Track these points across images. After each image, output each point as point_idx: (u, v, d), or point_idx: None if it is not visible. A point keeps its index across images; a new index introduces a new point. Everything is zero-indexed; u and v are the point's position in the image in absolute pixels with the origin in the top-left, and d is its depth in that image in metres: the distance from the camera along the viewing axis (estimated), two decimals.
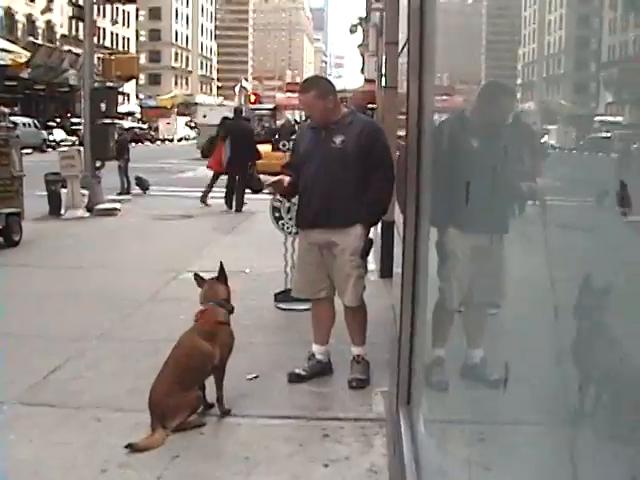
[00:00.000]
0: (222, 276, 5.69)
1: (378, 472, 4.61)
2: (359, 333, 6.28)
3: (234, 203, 17.65)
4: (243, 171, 17.40)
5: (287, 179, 6.07)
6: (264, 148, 19.77)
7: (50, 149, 43.87)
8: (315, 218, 6.05)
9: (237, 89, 61.60)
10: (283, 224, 8.43)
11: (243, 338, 5.87)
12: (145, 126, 74.31)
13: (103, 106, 18.15)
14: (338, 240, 6.01)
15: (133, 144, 50.31)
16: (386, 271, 8.47)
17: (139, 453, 4.79)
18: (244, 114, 20.63)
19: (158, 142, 70.21)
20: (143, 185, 21.76)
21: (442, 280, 5.01)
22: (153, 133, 72.97)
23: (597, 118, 2.69)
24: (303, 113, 59.97)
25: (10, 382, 5.98)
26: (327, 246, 6.09)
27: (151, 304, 8.63)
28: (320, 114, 5.99)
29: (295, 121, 41.80)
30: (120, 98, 63.01)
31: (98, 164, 18.15)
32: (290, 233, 8.39)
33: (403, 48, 6.03)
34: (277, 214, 8.45)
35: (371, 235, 6.27)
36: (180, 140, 73.55)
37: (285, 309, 8.08)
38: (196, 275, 5.77)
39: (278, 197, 8.41)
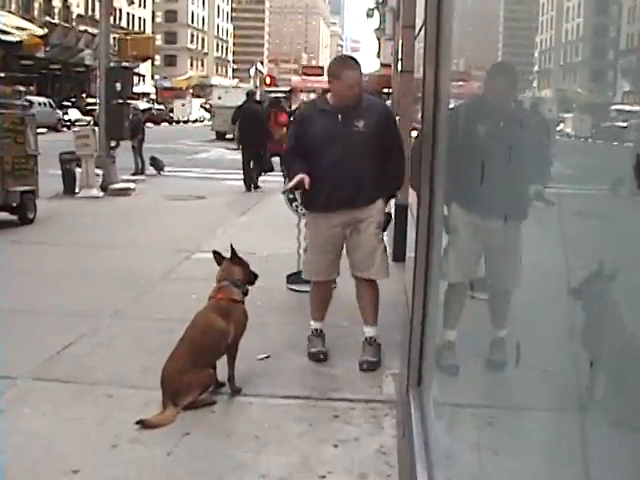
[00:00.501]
0: (236, 257, 5.72)
1: (387, 453, 4.64)
2: (373, 313, 6.30)
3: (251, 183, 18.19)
4: (256, 152, 17.84)
5: (307, 179, 5.91)
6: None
7: (65, 129, 43.91)
8: (341, 201, 6.05)
9: (252, 71, 61.48)
10: (297, 206, 8.43)
11: (255, 318, 5.90)
12: (163, 107, 74.26)
13: (118, 86, 18.15)
14: (363, 216, 6.08)
15: (150, 125, 50.50)
16: (399, 255, 8.48)
17: (150, 429, 4.83)
18: (259, 97, 20.88)
19: (175, 123, 70.20)
20: (158, 165, 21.81)
21: (454, 263, 5.03)
22: (172, 114, 72.88)
23: (614, 107, 2.68)
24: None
25: (24, 358, 6.03)
26: (352, 223, 6.13)
27: (164, 283, 8.68)
28: (357, 94, 5.98)
29: (304, 102, 41.70)
30: (135, 79, 62.84)
31: (113, 144, 18.18)
32: (303, 214, 8.39)
33: (419, 32, 6.03)
34: (291, 196, 8.45)
35: (388, 209, 6.43)
36: (195, 122, 73.47)
37: (297, 290, 8.10)
38: (215, 252, 5.80)
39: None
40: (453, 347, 4.87)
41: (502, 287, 4.87)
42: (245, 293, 5.67)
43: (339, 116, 6.03)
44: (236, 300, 5.53)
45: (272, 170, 17.36)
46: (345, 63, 6.10)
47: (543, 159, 3.71)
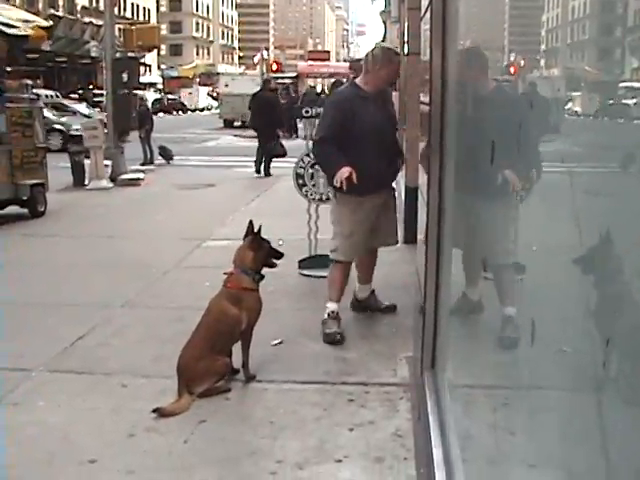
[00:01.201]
0: (254, 240, 5.62)
1: (403, 436, 4.63)
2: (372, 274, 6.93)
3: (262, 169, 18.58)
4: (269, 138, 18.01)
5: (353, 173, 6.04)
6: None
7: None
8: (382, 183, 6.49)
9: (256, 58, 61.27)
10: (307, 191, 8.41)
11: (268, 304, 5.88)
12: (175, 96, 74.05)
13: (125, 76, 18.13)
14: (390, 193, 6.69)
15: (162, 114, 50.48)
16: (410, 237, 8.44)
17: (165, 418, 4.84)
18: (272, 85, 21.16)
19: (190, 112, 70.05)
20: (167, 155, 21.80)
21: (466, 243, 5.02)
22: (186, 102, 72.65)
23: (622, 84, 2.66)
24: (326, 81, 59.75)
25: (38, 350, 6.05)
26: (385, 201, 6.56)
27: (176, 272, 8.68)
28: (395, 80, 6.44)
29: (310, 87, 42.01)
30: (142, 69, 62.87)
31: (123, 136, 18.18)
32: (314, 199, 8.38)
33: (425, 13, 5.99)
34: (300, 181, 8.43)
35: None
36: (202, 110, 73.36)
37: (309, 276, 8.09)
38: (250, 223, 5.72)
39: (301, 164, 8.41)
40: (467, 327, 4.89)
41: (506, 264, 4.91)
42: (259, 279, 5.59)
43: (377, 101, 6.35)
44: (246, 288, 5.48)
45: (285, 155, 17.36)
46: (391, 49, 6.63)
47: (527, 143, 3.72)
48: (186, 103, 73.17)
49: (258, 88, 20.60)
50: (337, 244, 6.47)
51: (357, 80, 6.52)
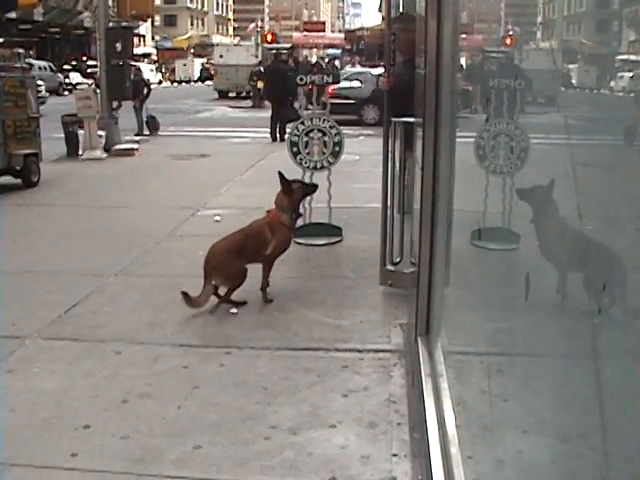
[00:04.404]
0: (284, 189, 6.59)
1: (397, 402, 4.63)
2: None
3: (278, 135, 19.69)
4: (281, 105, 19.33)
5: None
6: None
7: (67, 92, 43.71)
8: None
9: (251, 26, 60.89)
10: (301, 159, 8.37)
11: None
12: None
13: (118, 46, 17.95)
14: None
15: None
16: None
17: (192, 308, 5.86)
18: (283, 57, 22.11)
19: (184, 83, 69.90)
20: (154, 125, 21.68)
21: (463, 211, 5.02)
22: (180, 74, 72.36)
23: (619, 57, 2.64)
24: (321, 52, 59.43)
25: (32, 317, 6.05)
26: None
27: (170, 241, 8.65)
28: None
29: (306, 57, 42.16)
30: (136, 40, 62.41)
31: (115, 105, 18.05)
32: (308, 168, 8.34)
33: None
34: (295, 149, 8.39)
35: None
36: (197, 81, 73.04)
37: (304, 244, 8.08)
38: (280, 174, 6.66)
39: (295, 132, 8.38)
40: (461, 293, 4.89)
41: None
42: (296, 217, 6.72)
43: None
44: (283, 223, 6.47)
45: (299, 118, 17.39)
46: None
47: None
48: (181, 75, 72.89)
49: (254, 59, 21.22)
50: None
51: None
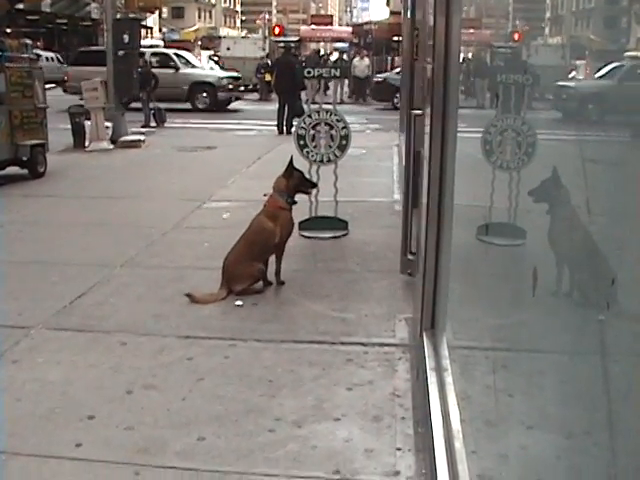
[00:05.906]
0: (287, 171, 6.74)
1: (401, 396, 4.63)
2: None
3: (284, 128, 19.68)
4: (290, 98, 19.45)
5: None
6: None
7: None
8: None
9: (260, 17, 60.82)
10: (308, 152, 8.37)
11: (269, 266, 5.89)
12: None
13: (126, 38, 17.95)
14: None
15: None
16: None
17: (197, 304, 5.95)
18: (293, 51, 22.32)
19: None
20: (160, 118, 21.66)
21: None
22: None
23: (627, 53, 2.63)
24: (329, 45, 59.39)
25: (37, 308, 6.06)
26: None
27: (176, 232, 8.65)
28: None
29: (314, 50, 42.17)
30: (143, 32, 62.33)
31: (124, 100, 18.04)
32: (315, 161, 8.33)
33: None
34: (302, 142, 8.38)
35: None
36: None
37: (309, 237, 8.07)
38: (290, 159, 6.88)
39: (302, 125, 8.37)
40: (467, 288, 4.87)
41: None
42: (292, 202, 6.72)
43: None
44: (281, 207, 6.60)
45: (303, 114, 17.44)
46: None
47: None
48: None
49: (261, 52, 21.18)
50: None
51: None
